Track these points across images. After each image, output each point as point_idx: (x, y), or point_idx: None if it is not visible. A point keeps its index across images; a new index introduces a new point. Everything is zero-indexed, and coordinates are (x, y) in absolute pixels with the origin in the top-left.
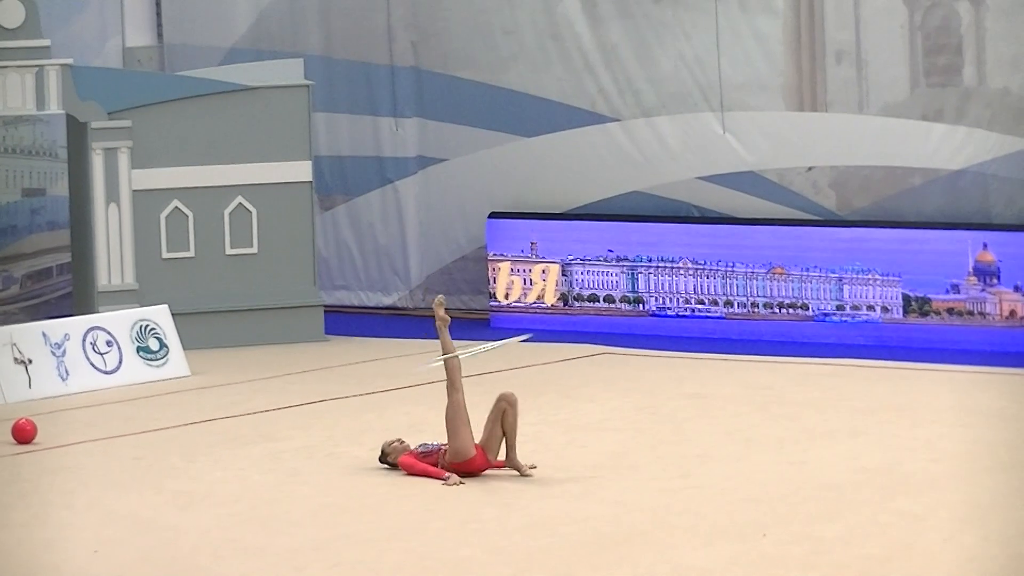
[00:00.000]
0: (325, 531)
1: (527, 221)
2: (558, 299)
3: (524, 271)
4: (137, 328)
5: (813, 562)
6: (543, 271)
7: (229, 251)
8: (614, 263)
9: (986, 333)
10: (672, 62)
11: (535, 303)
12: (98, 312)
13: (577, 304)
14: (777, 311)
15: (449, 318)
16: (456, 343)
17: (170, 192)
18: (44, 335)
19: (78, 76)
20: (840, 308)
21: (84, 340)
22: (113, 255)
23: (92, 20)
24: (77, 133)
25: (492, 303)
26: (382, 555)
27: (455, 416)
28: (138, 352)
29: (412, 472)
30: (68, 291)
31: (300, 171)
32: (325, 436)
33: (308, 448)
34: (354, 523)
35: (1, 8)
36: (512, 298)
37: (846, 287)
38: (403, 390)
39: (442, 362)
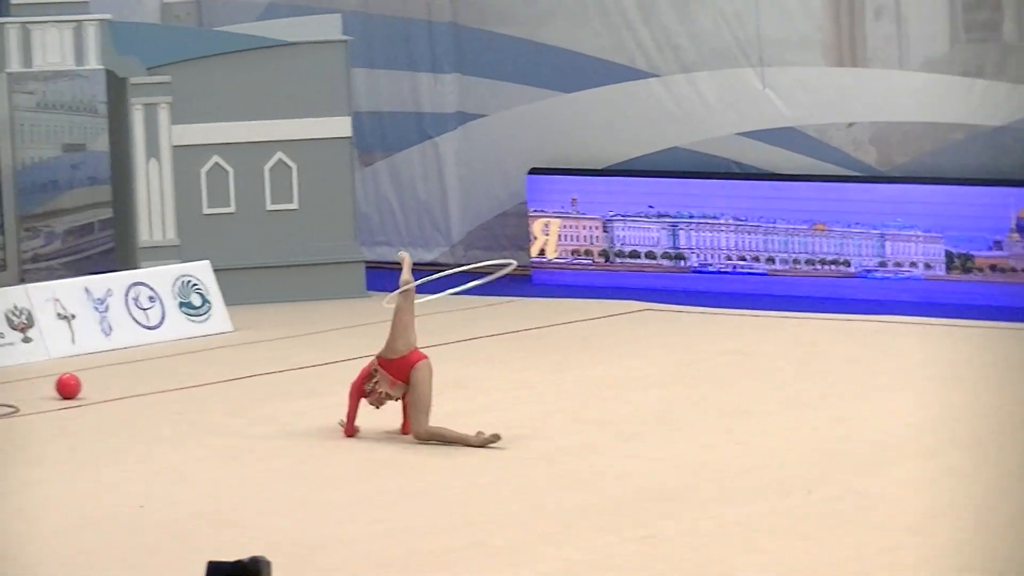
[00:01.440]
0: (369, 486)
1: (568, 177)
2: (600, 254)
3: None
4: (179, 284)
5: (857, 518)
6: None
7: (270, 207)
8: (655, 219)
9: None
10: (711, 17)
11: (573, 258)
12: (140, 268)
13: (619, 260)
14: (819, 267)
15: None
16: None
17: (210, 148)
18: (87, 291)
19: (116, 31)
20: (882, 264)
21: (127, 296)
22: (154, 211)
23: None
24: (117, 88)
25: (533, 259)
26: (426, 511)
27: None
28: (180, 308)
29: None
30: (110, 247)
31: (339, 127)
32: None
33: None
34: (397, 479)
35: None
36: None
37: (888, 243)
38: (447, 345)
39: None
